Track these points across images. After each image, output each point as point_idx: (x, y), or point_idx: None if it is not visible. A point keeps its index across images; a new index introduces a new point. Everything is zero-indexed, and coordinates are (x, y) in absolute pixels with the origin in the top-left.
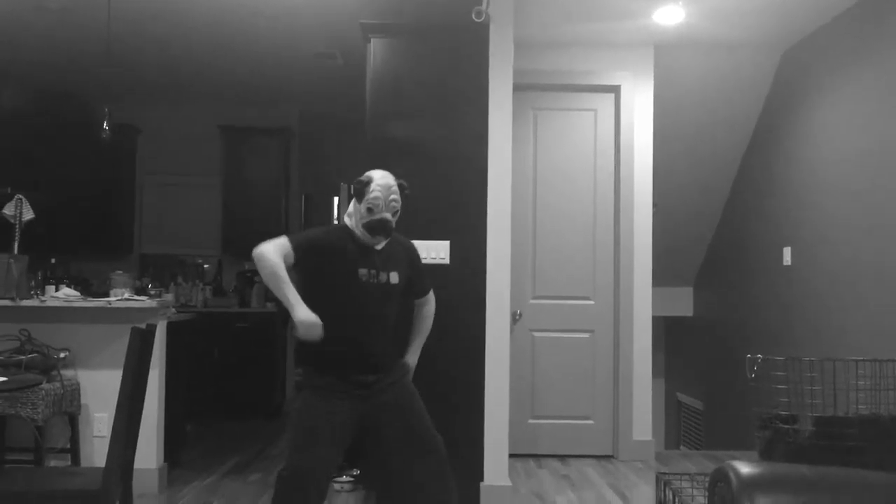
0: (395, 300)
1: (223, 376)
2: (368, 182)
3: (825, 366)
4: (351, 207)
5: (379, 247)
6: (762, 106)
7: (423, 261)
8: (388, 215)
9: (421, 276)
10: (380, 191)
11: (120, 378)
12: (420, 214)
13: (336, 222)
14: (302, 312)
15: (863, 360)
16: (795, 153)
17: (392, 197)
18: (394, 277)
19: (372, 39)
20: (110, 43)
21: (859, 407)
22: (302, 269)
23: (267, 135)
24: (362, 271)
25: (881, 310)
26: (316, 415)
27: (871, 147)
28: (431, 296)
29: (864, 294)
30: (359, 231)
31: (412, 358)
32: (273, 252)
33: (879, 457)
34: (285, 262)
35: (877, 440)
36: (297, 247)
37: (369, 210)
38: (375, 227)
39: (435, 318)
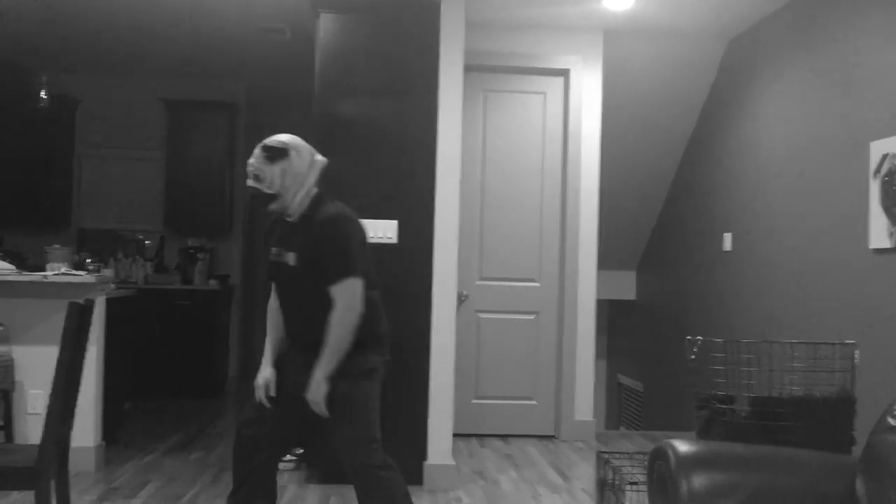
0: (301, 285)
1: (165, 354)
2: None
3: (762, 348)
4: None
5: (291, 218)
6: (707, 93)
7: (371, 240)
8: (249, 181)
9: (326, 258)
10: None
11: (56, 354)
12: (368, 194)
13: None
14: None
15: (797, 343)
16: (738, 140)
17: (250, 161)
18: (290, 258)
19: (321, 15)
20: (50, 8)
21: (793, 388)
22: None
23: (213, 109)
24: (273, 249)
25: (815, 294)
26: None
27: (806, 137)
28: (346, 289)
29: (799, 279)
30: None
31: (318, 372)
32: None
33: (810, 436)
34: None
35: (808, 420)
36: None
37: None
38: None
39: (382, 297)
